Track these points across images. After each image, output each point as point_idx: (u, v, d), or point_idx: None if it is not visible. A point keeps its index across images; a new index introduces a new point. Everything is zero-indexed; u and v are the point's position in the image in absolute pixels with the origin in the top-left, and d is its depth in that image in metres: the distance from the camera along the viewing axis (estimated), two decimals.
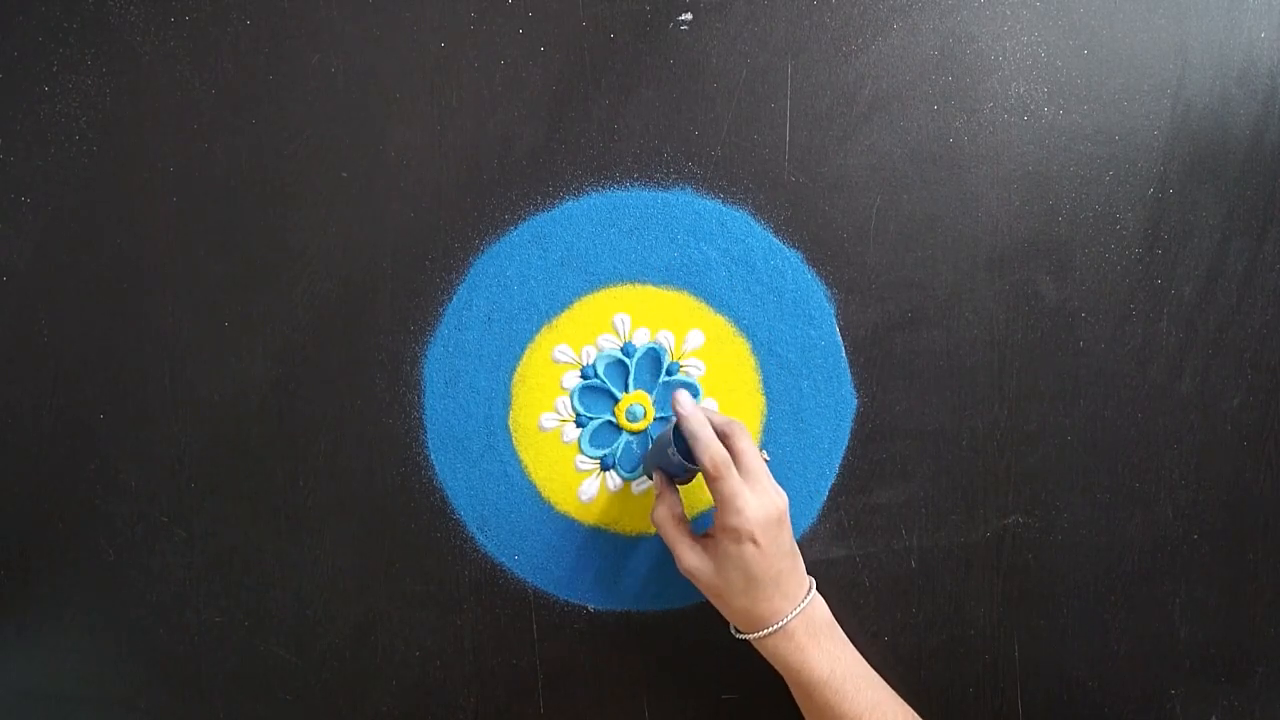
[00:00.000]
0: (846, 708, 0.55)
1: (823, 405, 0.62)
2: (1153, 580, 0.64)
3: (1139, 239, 0.62)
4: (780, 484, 0.54)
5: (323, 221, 0.62)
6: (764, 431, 0.63)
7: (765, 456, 0.60)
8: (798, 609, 0.54)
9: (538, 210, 0.62)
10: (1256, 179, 0.61)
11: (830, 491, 0.63)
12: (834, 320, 0.62)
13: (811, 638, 0.55)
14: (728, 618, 0.57)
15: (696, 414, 0.54)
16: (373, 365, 0.62)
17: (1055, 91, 0.61)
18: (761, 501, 0.53)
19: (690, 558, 0.55)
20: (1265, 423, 0.63)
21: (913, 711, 0.57)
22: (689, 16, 0.60)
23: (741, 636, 0.56)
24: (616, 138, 0.61)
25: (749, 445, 0.54)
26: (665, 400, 0.63)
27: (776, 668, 0.56)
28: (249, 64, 0.61)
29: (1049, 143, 0.61)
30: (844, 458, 0.63)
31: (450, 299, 0.62)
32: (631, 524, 0.63)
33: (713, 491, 0.53)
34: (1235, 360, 0.62)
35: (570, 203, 0.62)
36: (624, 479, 0.63)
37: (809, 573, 0.57)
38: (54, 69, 0.61)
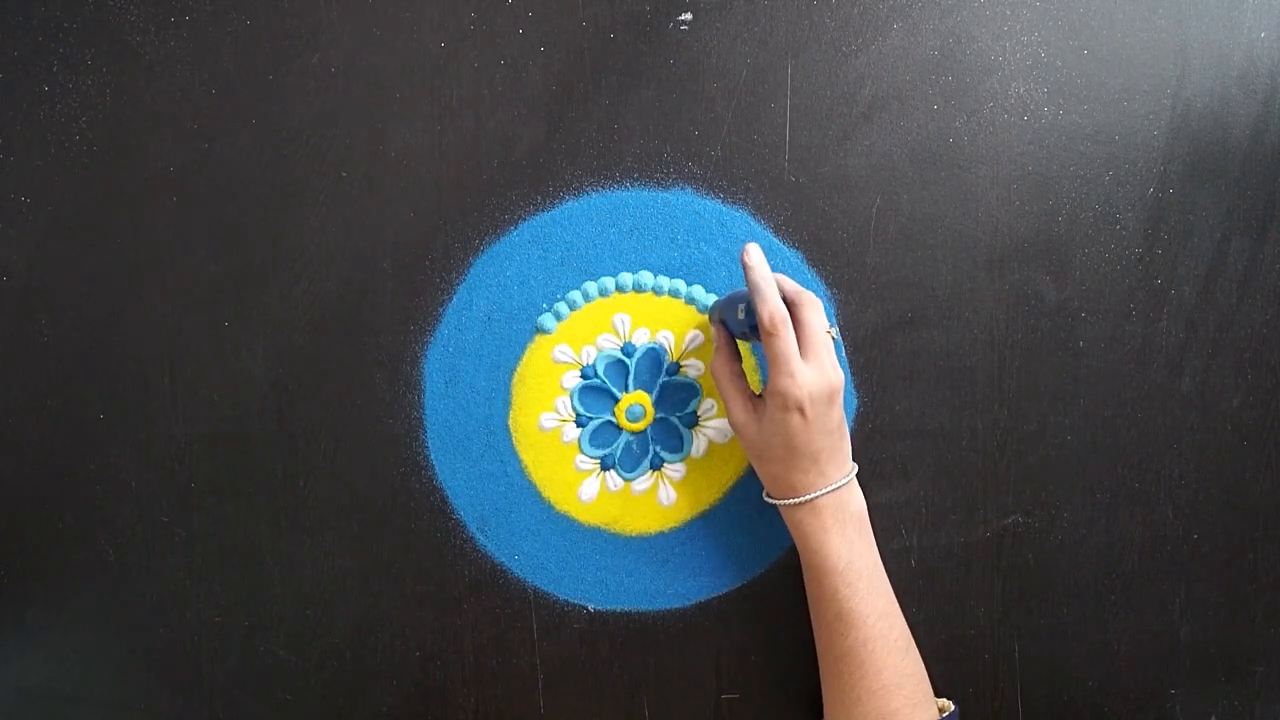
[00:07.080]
0: (854, 604, 0.53)
1: None
2: (1153, 580, 0.64)
3: (1139, 239, 0.62)
4: None
5: (323, 221, 0.62)
6: None
7: (833, 334, 0.57)
8: (830, 487, 0.54)
9: (538, 210, 0.62)
10: (1256, 179, 0.61)
11: None
12: (834, 320, 0.62)
13: (837, 523, 0.54)
14: (762, 479, 0.57)
15: (762, 267, 0.52)
16: (373, 365, 0.62)
17: (1055, 91, 0.61)
18: (816, 374, 0.52)
19: (739, 412, 0.55)
20: (1265, 423, 0.63)
21: (913, 641, 0.56)
22: (689, 16, 0.60)
23: (771, 501, 0.56)
24: (616, 138, 0.61)
25: (816, 319, 0.53)
26: (666, 401, 0.63)
27: (797, 546, 0.56)
28: (249, 64, 0.61)
29: (1049, 143, 0.61)
30: None
31: (450, 299, 0.62)
32: (631, 524, 0.63)
33: (767, 350, 0.52)
34: (1235, 360, 0.62)
35: (570, 203, 0.62)
36: (624, 479, 0.63)
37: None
38: (54, 69, 0.61)
